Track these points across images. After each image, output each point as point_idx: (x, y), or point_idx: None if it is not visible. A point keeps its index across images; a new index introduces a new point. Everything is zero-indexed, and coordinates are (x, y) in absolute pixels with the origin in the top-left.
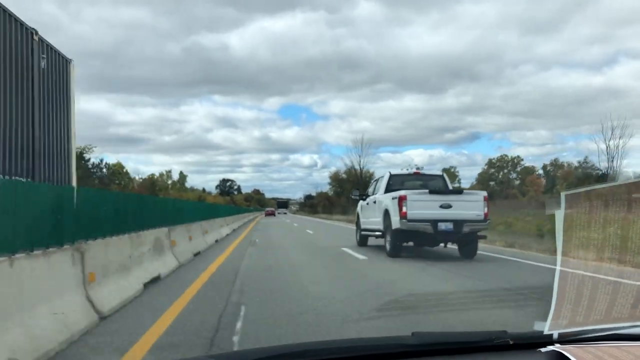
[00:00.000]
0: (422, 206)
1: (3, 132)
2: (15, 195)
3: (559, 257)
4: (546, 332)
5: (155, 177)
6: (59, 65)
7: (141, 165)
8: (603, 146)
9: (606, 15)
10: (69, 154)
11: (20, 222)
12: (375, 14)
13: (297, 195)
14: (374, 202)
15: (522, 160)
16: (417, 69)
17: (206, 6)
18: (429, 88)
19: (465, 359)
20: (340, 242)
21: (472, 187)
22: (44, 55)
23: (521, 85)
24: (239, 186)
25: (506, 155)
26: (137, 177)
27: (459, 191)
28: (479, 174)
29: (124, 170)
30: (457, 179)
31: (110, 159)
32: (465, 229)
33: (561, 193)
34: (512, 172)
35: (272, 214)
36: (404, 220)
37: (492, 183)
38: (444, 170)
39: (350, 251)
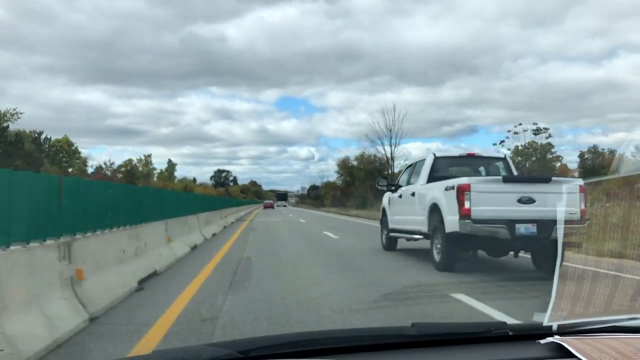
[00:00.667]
0: (493, 200)
1: None
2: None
3: (560, 248)
4: (545, 323)
5: (134, 163)
6: None
7: (138, 157)
8: (602, 139)
9: (606, 8)
10: None
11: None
12: (374, 4)
13: (295, 187)
14: (412, 194)
15: (553, 147)
16: (416, 61)
17: None
18: (428, 81)
19: (464, 350)
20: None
21: None
22: None
23: (520, 79)
24: (234, 177)
25: (535, 142)
26: (107, 163)
27: (545, 179)
28: None
29: (73, 148)
30: None
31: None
32: (555, 233)
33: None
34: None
35: (271, 206)
36: (467, 221)
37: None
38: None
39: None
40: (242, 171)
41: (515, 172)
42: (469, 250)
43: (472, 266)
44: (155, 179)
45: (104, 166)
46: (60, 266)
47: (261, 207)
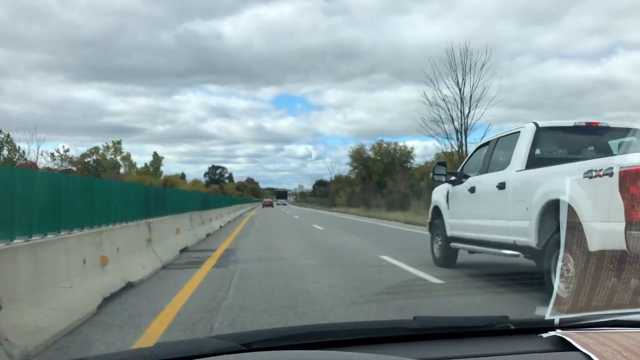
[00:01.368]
0: None
1: None
2: None
3: (562, 244)
4: (547, 317)
5: (100, 151)
6: None
7: (135, 156)
8: None
9: (605, 6)
10: None
11: None
12: (372, 1)
13: (292, 185)
14: (499, 186)
15: None
16: (414, 59)
17: None
18: (425, 78)
19: (466, 344)
20: None
21: None
22: None
23: (518, 77)
24: (230, 174)
25: None
26: (59, 151)
27: None
28: None
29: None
30: None
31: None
32: None
33: (567, 179)
34: None
35: (270, 204)
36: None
37: None
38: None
39: None
40: (240, 169)
41: None
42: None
43: (475, 258)
44: (135, 172)
45: (57, 154)
46: None
47: (258, 207)
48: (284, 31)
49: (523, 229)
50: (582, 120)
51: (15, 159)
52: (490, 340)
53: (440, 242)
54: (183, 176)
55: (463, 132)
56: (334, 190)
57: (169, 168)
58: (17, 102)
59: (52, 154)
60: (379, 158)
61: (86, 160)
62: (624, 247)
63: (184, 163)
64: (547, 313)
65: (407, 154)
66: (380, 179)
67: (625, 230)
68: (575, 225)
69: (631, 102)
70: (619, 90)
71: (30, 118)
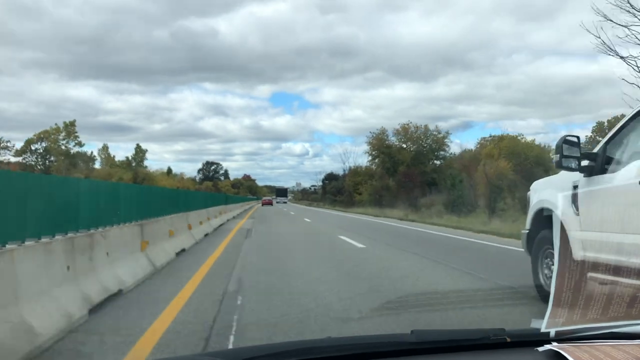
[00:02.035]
0: None
1: None
2: None
3: (556, 255)
4: (543, 330)
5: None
6: None
7: (131, 154)
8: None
9: (601, 2)
10: None
11: None
12: None
13: (290, 183)
14: None
15: None
16: (409, 56)
17: None
18: (421, 76)
19: (463, 357)
20: None
21: None
22: None
23: (514, 74)
24: (225, 170)
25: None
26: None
27: None
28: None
29: None
30: None
31: (94, 147)
32: None
33: (558, 194)
34: None
35: (270, 203)
36: None
37: None
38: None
39: None
40: (237, 167)
41: None
42: None
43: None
44: (97, 165)
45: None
46: None
47: (256, 206)
48: (280, 29)
49: None
50: None
51: None
52: (487, 353)
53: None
54: (169, 171)
55: None
56: (350, 185)
57: (163, 164)
58: (12, 101)
59: None
60: (404, 146)
61: (34, 147)
62: None
63: (181, 161)
64: (543, 326)
65: (441, 141)
66: (411, 170)
67: None
68: None
69: (628, 99)
70: (615, 88)
71: (26, 117)
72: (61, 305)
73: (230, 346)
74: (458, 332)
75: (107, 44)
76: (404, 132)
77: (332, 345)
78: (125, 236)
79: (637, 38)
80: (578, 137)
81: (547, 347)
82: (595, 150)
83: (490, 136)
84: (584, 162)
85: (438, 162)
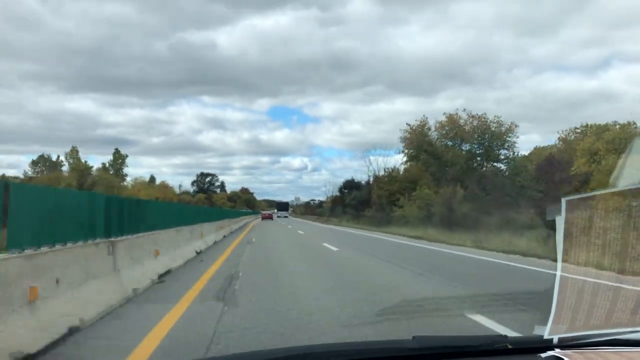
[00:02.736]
0: None
1: None
2: None
3: (559, 262)
4: (546, 336)
5: None
6: None
7: (130, 168)
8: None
9: (601, 18)
10: None
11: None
12: (368, 12)
13: (288, 197)
14: None
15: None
16: (410, 70)
17: (194, 1)
18: (421, 91)
19: None
20: None
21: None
22: None
23: (515, 89)
24: (222, 182)
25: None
26: None
27: None
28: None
29: None
30: None
31: (96, 161)
32: None
33: (562, 199)
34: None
35: (270, 217)
36: None
37: None
38: None
39: None
40: (235, 181)
41: None
42: None
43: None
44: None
45: None
46: None
47: (254, 222)
48: (279, 42)
49: None
50: None
51: None
52: None
53: None
54: (152, 179)
55: None
56: (384, 195)
57: (161, 177)
58: (10, 114)
59: None
60: (450, 143)
61: None
62: None
63: (179, 175)
64: (546, 332)
65: (503, 137)
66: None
67: None
68: None
69: (627, 114)
70: (614, 103)
71: (24, 130)
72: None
73: None
74: (460, 339)
75: (106, 56)
76: (451, 123)
77: (333, 350)
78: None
79: None
80: None
81: (550, 353)
82: None
83: (582, 126)
84: None
85: (501, 165)
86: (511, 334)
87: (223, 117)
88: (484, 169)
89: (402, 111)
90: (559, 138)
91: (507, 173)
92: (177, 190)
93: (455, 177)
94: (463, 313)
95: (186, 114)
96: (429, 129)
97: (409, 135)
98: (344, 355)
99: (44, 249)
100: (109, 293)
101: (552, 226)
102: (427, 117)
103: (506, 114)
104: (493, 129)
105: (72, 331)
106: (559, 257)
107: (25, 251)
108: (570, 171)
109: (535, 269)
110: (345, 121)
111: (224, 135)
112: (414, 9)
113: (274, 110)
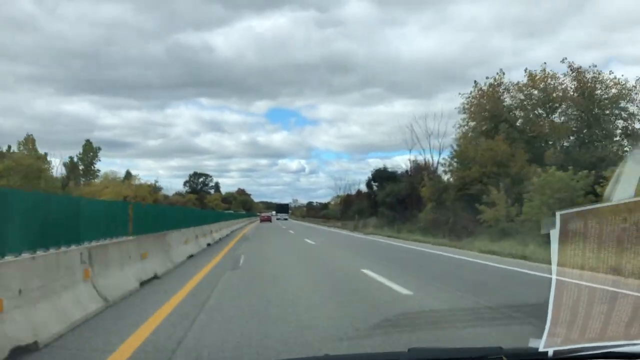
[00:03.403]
0: None
1: None
2: None
3: (554, 275)
4: (541, 349)
5: None
6: None
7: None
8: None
9: (600, 20)
10: None
11: None
12: (366, 13)
13: (286, 199)
14: None
15: None
16: (408, 72)
17: (191, 2)
18: (420, 93)
19: None
20: None
21: None
22: None
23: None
24: (216, 183)
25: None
26: None
27: None
28: None
29: None
30: None
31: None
32: None
33: (557, 212)
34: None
35: (268, 219)
36: None
37: None
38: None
39: None
40: (233, 184)
41: None
42: None
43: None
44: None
45: None
46: None
47: (251, 225)
48: (277, 43)
49: None
50: None
51: None
52: None
53: None
54: (128, 175)
55: None
56: (456, 184)
57: (159, 180)
58: (7, 116)
59: None
60: (540, 111)
61: None
62: None
63: (176, 178)
64: (541, 345)
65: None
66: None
67: None
68: None
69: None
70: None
71: (21, 132)
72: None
73: None
74: (454, 351)
75: (103, 58)
76: (533, 82)
77: None
78: None
79: None
80: None
81: None
82: None
83: None
84: None
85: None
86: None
87: (221, 120)
88: (599, 148)
89: (400, 113)
90: None
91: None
92: (166, 192)
93: (560, 159)
94: None
95: (183, 116)
96: (505, 91)
97: (475, 101)
98: None
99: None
100: None
101: None
102: (503, 73)
103: None
104: (607, 89)
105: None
106: (554, 269)
107: None
108: None
109: None
110: (343, 123)
111: (221, 138)
112: (412, 10)
113: (272, 112)
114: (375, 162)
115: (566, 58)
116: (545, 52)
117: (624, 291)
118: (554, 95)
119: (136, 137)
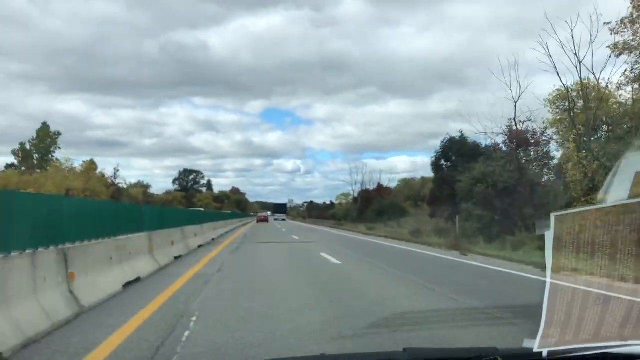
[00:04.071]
0: None
1: None
2: None
3: (548, 276)
4: (535, 349)
5: None
6: None
7: (122, 170)
8: None
9: (595, 20)
10: None
11: None
12: (361, 12)
13: (281, 200)
14: None
15: None
16: (403, 72)
17: (185, 1)
18: (415, 93)
19: None
20: None
21: None
22: None
23: (508, 91)
24: (208, 181)
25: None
26: None
27: None
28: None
29: None
30: None
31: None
32: None
33: (551, 214)
34: None
35: (265, 220)
36: None
37: None
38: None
39: None
40: (228, 183)
41: None
42: None
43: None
44: None
45: None
46: None
47: (244, 228)
48: (272, 43)
49: None
50: None
51: None
52: None
53: None
54: (93, 163)
55: None
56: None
57: (152, 179)
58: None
59: None
60: None
61: None
62: None
63: (171, 178)
64: (535, 345)
65: None
66: None
67: None
68: None
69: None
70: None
71: (14, 131)
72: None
73: None
74: (450, 351)
75: (96, 56)
76: None
77: None
78: None
79: None
80: None
81: None
82: None
83: None
84: None
85: None
86: None
87: (215, 119)
88: None
89: (395, 113)
90: None
91: None
92: (154, 191)
93: None
94: None
95: (178, 116)
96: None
97: None
98: None
99: None
100: None
101: None
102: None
103: (498, 116)
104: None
105: None
106: (548, 270)
107: None
108: None
109: None
110: (338, 123)
111: (216, 138)
112: (408, 10)
113: (266, 112)
114: (371, 163)
115: None
116: (544, 53)
117: (617, 293)
118: None
119: (130, 137)
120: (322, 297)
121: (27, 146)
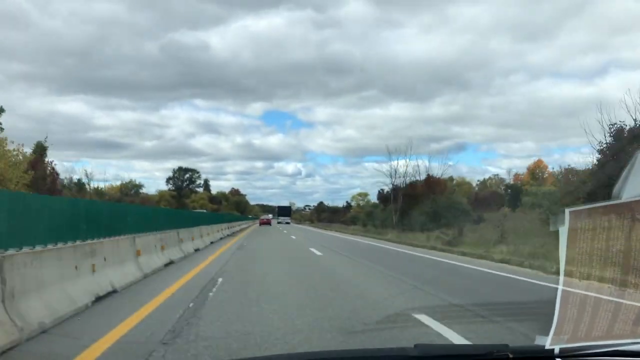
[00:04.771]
0: None
1: None
2: None
3: (562, 273)
4: (547, 346)
5: None
6: None
7: (122, 172)
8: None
9: (599, 24)
10: None
11: None
12: (364, 14)
13: (281, 202)
14: None
15: None
16: (405, 75)
17: (185, 0)
18: (416, 96)
19: None
20: None
21: None
22: None
23: (510, 95)
24: (205, 180)
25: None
26: None
27: None
28: None
29: None
30: None
31: (89, 165)
32: None
33: (565, 209)
34: None
35: (268, 222)
36: None
37: None
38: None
39: None
40: (229, 186)
41: None
42: None
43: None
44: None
45: None
46: None
47: (242, 235)
48: (273, 44)
49: None
50: None
51: None
52: None
53: None
54: (42, 148)
55: None
56: None
57: (154, 182)
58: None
59: None
60: None
61: None
62: None
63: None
64: (547, 342)
65: None
66: None
67: None
68: None
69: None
70: (611, 111)
71: (14, 133)
72: None
73: None
74: (461, 347)
75: (97, 57)
76: None
77: (334, 357)
78: None
79: None
80: None
81: None
82: None
83: None
84: None
85: None
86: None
87: (216, 121)
88: None
89: (396, 116)
90: None
91: None
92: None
93: None
94: None
95: (179, 118)
96: None
97: None
98: None
99: None
100: None
101: None
102: None
103: (501, 120)
104: None
105: None
106: (562, 267)
107: None
108: None
109: None
110: (339, 126)
111: (217, 140)
112: (410, 12)
113: (267, 114)
114: (371, 166)
115: None
116: (544, 55)
117: (632, 290)
118: None
119: (131, 139)
120: None
121: None
